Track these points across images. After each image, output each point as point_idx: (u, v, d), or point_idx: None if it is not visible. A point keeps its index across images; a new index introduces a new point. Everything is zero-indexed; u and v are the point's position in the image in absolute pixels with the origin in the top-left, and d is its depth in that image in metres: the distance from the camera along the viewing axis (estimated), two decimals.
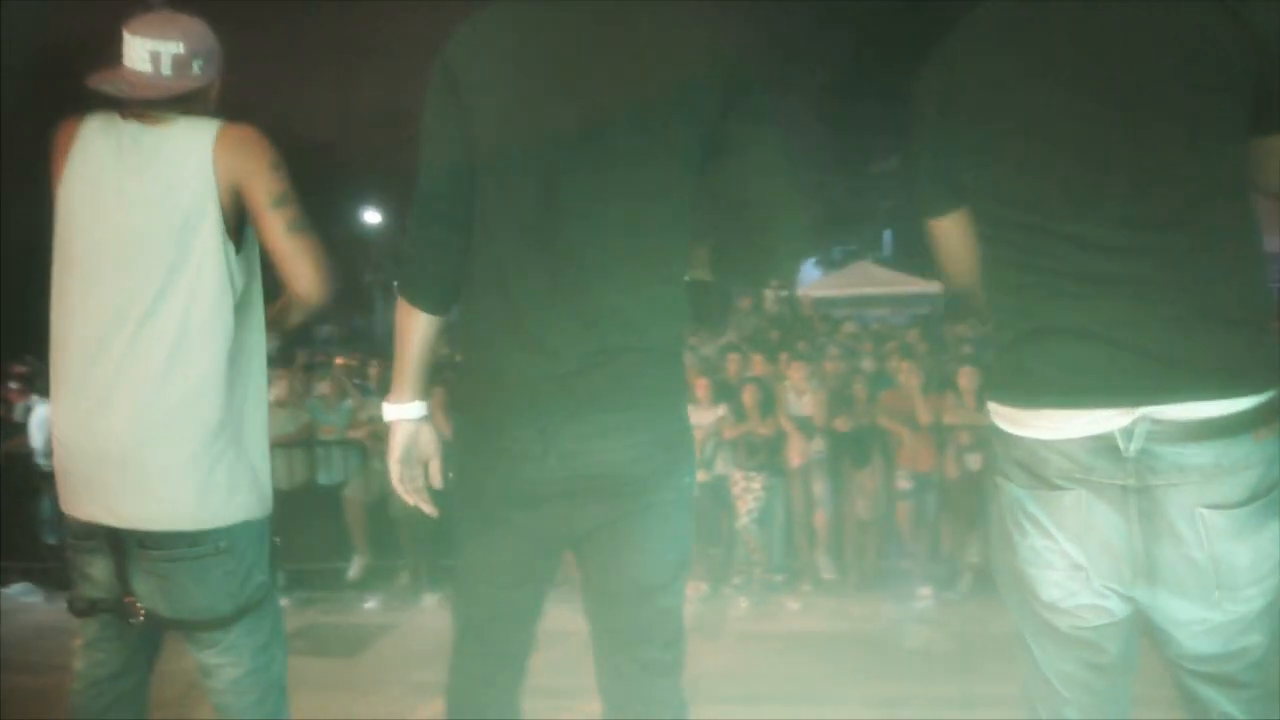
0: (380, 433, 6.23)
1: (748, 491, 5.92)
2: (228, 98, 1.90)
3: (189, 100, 1.77)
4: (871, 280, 21.15)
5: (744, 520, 5.88)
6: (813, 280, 20.70)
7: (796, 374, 5.97)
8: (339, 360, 8.81)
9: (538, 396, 1.52)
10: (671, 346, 1.62)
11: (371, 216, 27.48)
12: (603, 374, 1.51)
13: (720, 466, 6.01)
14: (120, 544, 1.71)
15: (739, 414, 5.95)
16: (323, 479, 6.39)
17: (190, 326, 1.68)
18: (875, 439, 5.83)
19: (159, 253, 1.68)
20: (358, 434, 6.27)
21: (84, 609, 1.78)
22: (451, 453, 1.68)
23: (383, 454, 1.78)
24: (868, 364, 7.06)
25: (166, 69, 1.73)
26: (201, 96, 1.81)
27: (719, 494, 6.01)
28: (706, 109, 1.50)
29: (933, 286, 21.82)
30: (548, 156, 1.48)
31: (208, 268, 1.70)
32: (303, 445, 6.39)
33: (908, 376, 5.81)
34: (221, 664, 1.78)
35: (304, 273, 1.77)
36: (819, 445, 5.84)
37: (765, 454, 5.92)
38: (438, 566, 6.15)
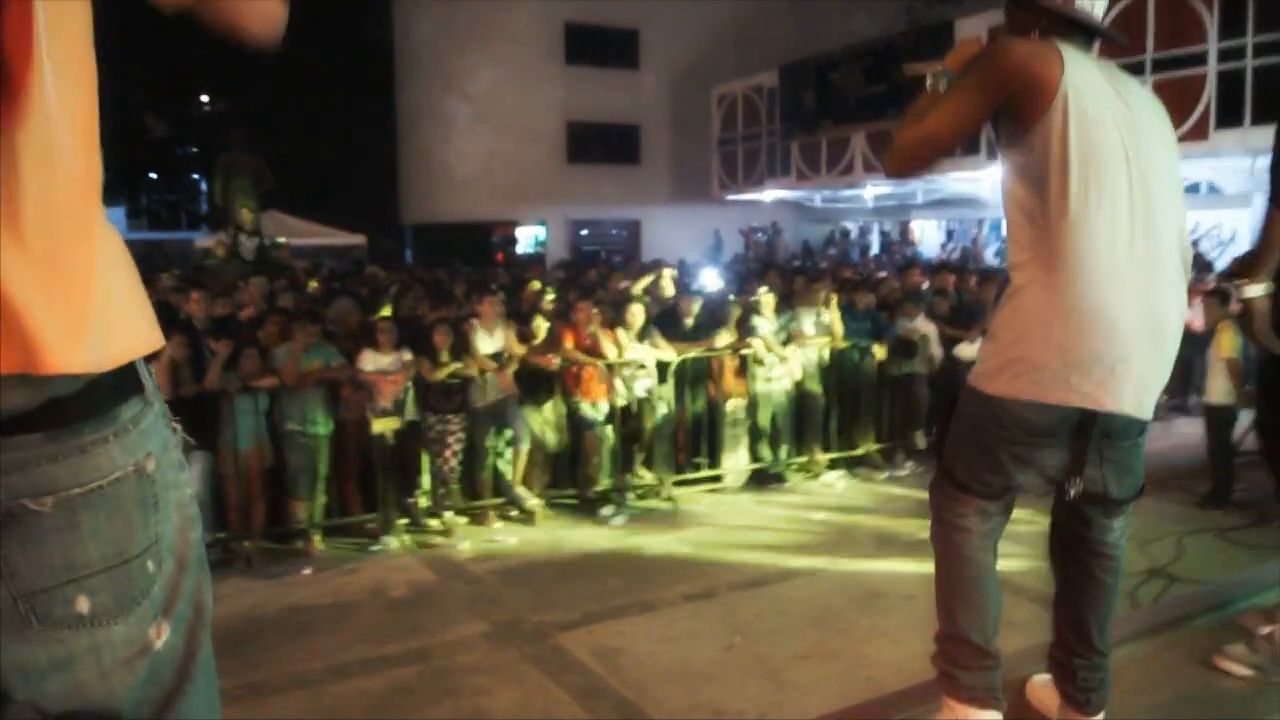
0: None
1: (447, 433, 5.85)
2: None
3: None
4: (288, 229, 20.30)
5: (451, 463, 5.82)
6: None
7: (488, 312, 6.02)
8: None
9: None
10: None
11: None
12: None
13: (410, 412, 5.83)
14: (1087, 434, 1.90)
15: (431, 357, 5.82)
16: None
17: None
18: (553, 374, 6.21)
19: (1166, 189, 1.92)
20: None
21: (999, 493, 2.00)
22: None
23: None
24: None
25: None
26: None
27: (418, 439, 5.84)
28: None
29: (355, 238, 22.00)
30: None
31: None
32: None
33: (586, 315, 6.25)
34: (1118, 534, 2.06)
35: None
36: (509, 383, 6.01)
37: (460, 396, 5.90)
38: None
